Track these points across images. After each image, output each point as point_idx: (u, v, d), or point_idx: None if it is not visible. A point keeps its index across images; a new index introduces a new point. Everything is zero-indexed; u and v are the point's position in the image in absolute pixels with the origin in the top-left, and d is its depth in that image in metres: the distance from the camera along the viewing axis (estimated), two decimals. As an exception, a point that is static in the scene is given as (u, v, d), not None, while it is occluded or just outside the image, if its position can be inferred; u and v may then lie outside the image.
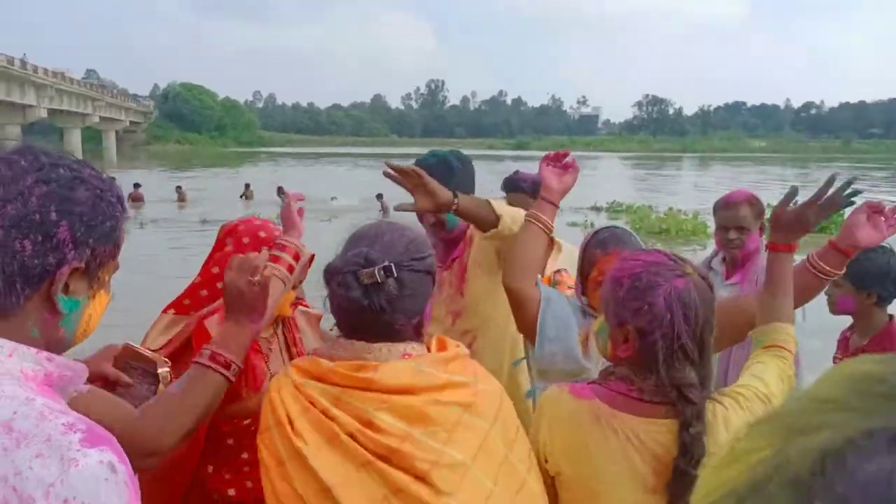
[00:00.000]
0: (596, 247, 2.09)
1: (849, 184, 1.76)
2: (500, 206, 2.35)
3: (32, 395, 0.89)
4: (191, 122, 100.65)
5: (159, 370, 1.64)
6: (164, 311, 2.11)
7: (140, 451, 1.27)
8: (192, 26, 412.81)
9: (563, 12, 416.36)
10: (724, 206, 3.08)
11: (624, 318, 1.47)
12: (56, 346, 0.98)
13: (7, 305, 0.92)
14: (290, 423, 1.27)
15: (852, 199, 1.76)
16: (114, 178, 1.04)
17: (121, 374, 1.61)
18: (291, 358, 2.07)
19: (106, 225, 0.99)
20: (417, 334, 1.40)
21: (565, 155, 2.15)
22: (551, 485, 1.53)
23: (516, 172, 3.38)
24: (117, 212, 1.01)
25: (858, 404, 0.37)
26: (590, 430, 1.45)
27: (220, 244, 2.16)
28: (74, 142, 67.57)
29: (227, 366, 1.50)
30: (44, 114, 59.04)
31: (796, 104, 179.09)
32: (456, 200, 2.19)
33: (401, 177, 2.17)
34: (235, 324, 1.56)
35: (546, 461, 1.52)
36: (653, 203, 21.84)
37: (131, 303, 5.36)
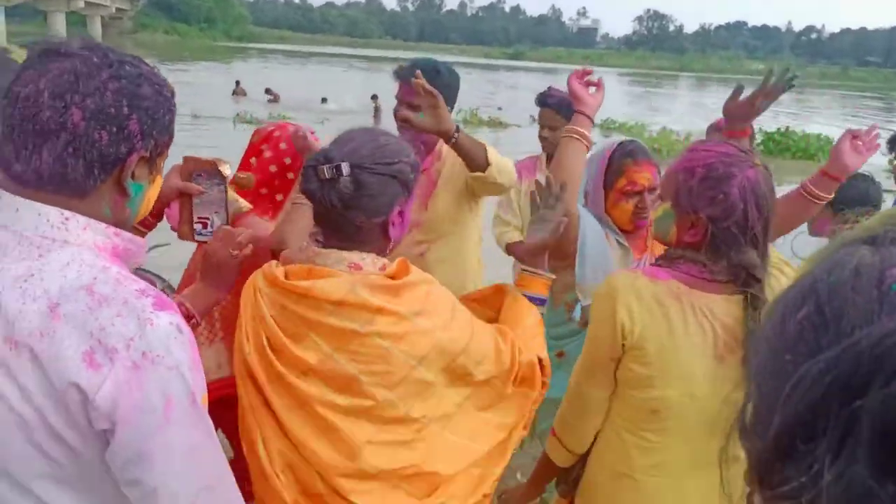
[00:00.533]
0: (625, 157, 2.21)
1: (786, 71, 2.12)
2: (493, 153, 2.43)
3: (107, 263, 1.03)
4: (179, 12, 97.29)
5: (221, 168, 1.75)
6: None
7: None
8: None
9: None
10: (712, 130, 3.16)
11: (697, 206, 1.57)
12: (122, 223, 1.11)
13: (85, 187, 1.03)
14: (244, 325, 1.46)
15: (792, 83, 2.11)
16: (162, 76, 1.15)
17: (190, 184, 1.74)
18: None
19: (165, 118, 1.10)
20: (384, 237, 1.48)
21: (590, 73, 2.22)
22: (615, 368, 1.66)
23: (549, 88, 3.42)
24: (172, 106, 1.13)
25: None
26: (671, 306, 1.58)
27: (254, 149, 2.20)
28: (59, 26, 65.21)
29: (189, 318, 1.63)
30: (26, -5, 56.86)
31: (798, 27, 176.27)
32: (457, 134, 2.30)
33: (422, 92, 2.25)
34: (206, 287, 1.70)
35: (624, 340, 1.61)
36: (646, 122, 21.74)
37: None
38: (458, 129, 2.31)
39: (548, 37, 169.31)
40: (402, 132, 2.52)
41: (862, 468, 0.42)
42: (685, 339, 1.57)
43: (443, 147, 2.62)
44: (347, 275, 1.41)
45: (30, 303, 0.96)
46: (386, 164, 1.42)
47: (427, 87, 2.24)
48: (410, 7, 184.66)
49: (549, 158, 3.36)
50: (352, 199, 1.40)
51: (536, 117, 3.46)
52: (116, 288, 0.99)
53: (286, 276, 1.45)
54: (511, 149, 5.68)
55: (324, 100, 21.24)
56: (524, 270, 1.80)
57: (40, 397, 0.95)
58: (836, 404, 0.43)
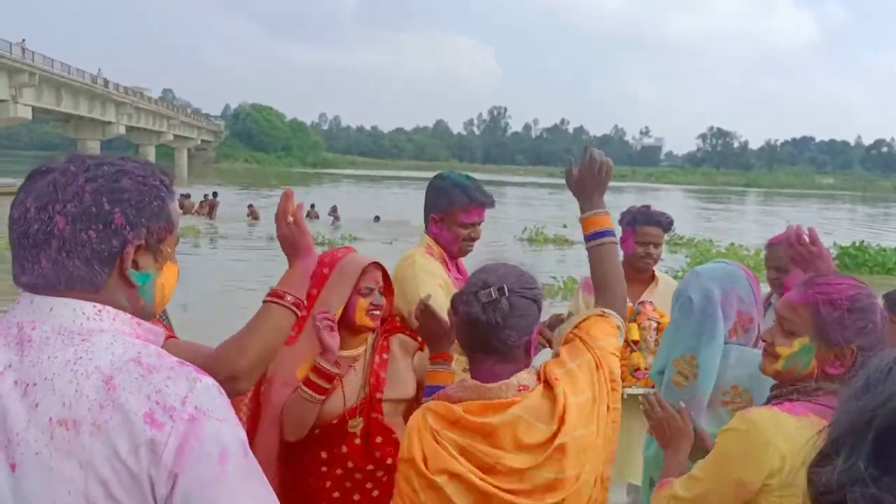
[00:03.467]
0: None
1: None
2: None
3: (143, 342, 1.10)
4: (259, 142, 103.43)
5: None
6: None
7: (220, 374, 1.54)
8: (264, 48, 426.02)
9: (628, 40, 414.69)
10: (767, 246, 3.18)
11: (847, 338, 1.59)
12: (141, 314, 1.16)
13: (94, 283, 1.09)
14: (426, 461, 1.56)
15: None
16: (154, 165, 1.21)
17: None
18: (371, 377, 2.33)
19: (154, 204, 1.14)
20: (526, 355, 1.67)
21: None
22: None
23: (647, 207, 3.54)
24: (162, 192, 1.17)
25: None
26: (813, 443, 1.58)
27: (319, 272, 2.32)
28: (149, 158, 69.70)
29: (282, 296, 1.81)
30: (122, 130, 61.63)
31: (867, 141, 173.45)
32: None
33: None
34: (290, 267, 1.90)
35: (770, 480, 1.58)
36: (714, 237, 21.55)
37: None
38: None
39: (611, 155, 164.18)
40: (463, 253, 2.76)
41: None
42: None
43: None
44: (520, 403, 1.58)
45: (83, 380, 1.01)
46: (529, 289, 1.65)
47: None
48: (476, 131, 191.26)
49: (632, 274, 3.33)
50: (508, 319, 1.59)
51: (634, 235, 3.45)
52: (160, 359, 1.07)
53: (456, 424, 1.59)
54: (575, 266, 5.75)
55: (377, 218, 22.30)
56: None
57: (104, 469, 0.98)
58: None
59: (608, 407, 1.66)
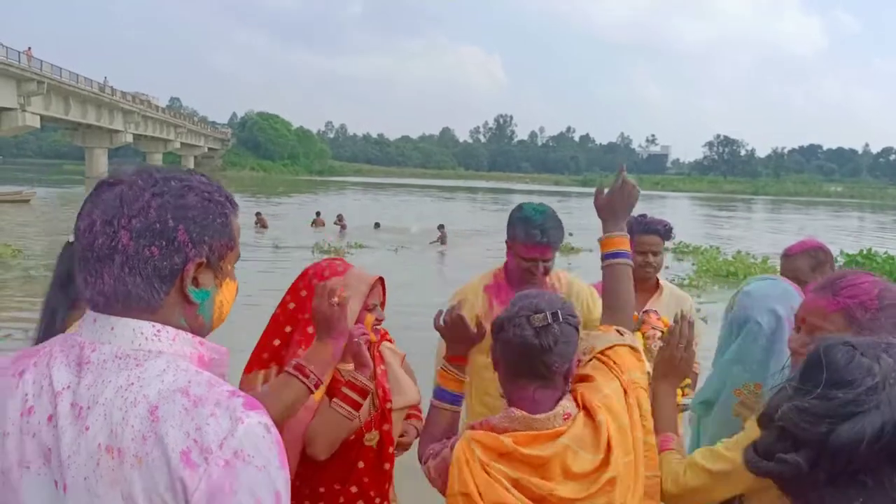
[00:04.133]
0: None
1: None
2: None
3: (198, 369, 1.09)
4: (265, 150, 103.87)
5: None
6: (248, 373, 2.23)
7: None
8: (271, 57, 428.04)
9: (635, 48, 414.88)
10: (783, 257, 3.14)
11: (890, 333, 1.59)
12: (199, 331, 1.15)
13: (152, 302, 1.08)
14: (480, 495, 1.55)
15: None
16: (219, 182, 1.20)
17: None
18: (378, 389, 2.31)
19: (217, 222, 1.14)
20: (565, 381, 1.69)
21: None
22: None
23: (644, 216, 3.49)
24: (226, 209, 1.16)
25: None
26: None
27: (296, 288, 2.29)
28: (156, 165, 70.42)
29: (307, 375, 1.83)
30: (129, 139, 62.00)
31: (875, 149, 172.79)
32: None
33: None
34: (319, 342, 1.90)
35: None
36: (721, 245, 21.48)
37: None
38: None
39: (617, 163, 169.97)
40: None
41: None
42: None
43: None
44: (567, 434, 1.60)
45: (131, 409, 1.01)
46: (573, 317, 1.69)
47: None
48: (482, 139, 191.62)
49: (637, 284, 3.37)
50: (557, 344, 1.62)
51: (633, 244, 3.43)
52: (209, 390, 1.04)
53: (506, 456, 1.59)
54: (583, 273, 5.72)
55: (377, 225, 22.94)
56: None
57: (143, 501, 0.98)
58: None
59: (644, 442, 1.69)
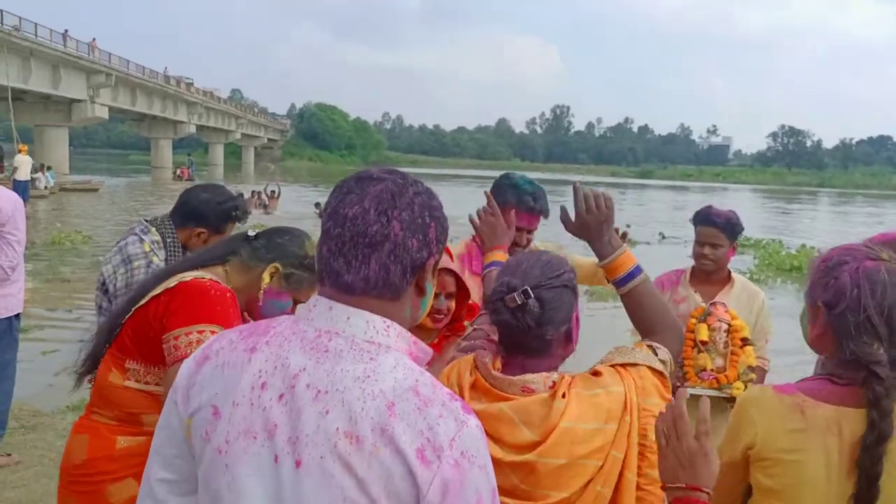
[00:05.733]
0: None
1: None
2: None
3: (420, 369, 1.16)
4: (323, 141, 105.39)
5: None
6: None
7: None
8: (329, 49, 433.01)
9: (695, 36, 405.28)
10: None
11: (815, 296, 1.58)
12: (415, 321, 1.25)
13: (400, 290, 1.18)
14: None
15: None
16: None
17: None
18: None
19: (448, 227, 1.26)
20: (568, 342, 1.63)
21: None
22: (742, 472, 1.63)
23: (710, 207, 3.47)
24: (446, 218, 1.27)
25: None
26: (797, 421, 1.52)
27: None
28: (218, 156, 72.18)
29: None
30: (193, 129, 63.50)
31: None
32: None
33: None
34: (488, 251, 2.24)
35: (748, 449, 1.59)
36: (784, 239, 20.92)
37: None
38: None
39: (677, 155, 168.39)
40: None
41: None
42: (813, 456, 1.51)
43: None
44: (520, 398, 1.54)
45: (370, 401, 1.07)
46: (557, 277, 1.58)
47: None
48: (539, 129, 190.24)
49: (704, 275, 3.42)
50: (542, 317, 1.54)
51: (694, 234, 3.44)
52: (434, 390, 1.11)
53: (472, 387, 1.60)
54: (642, 266, 5.63)
55: None
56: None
57: (377, 488, 1.04)
58: None
59: (637, 471, 1.55)
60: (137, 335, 2.09)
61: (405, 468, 1.04)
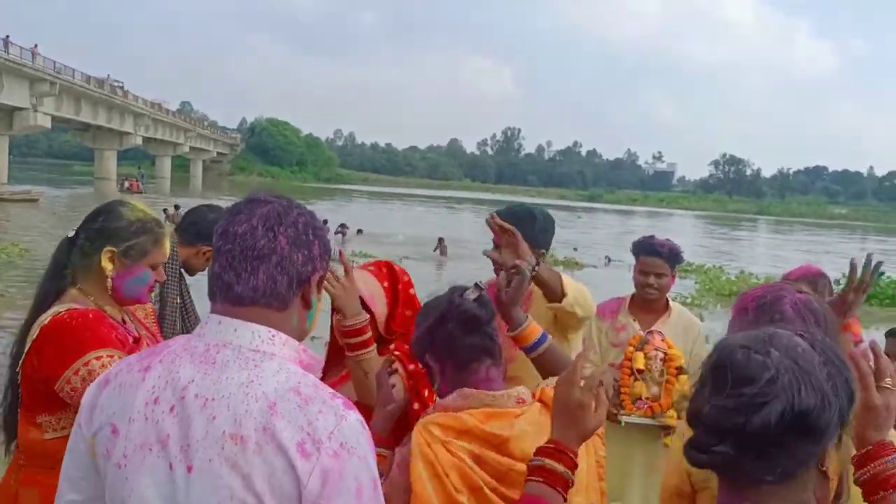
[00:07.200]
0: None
1: (870, 261, 2.01)
2: (569, 283, 2.56)
3: (303, 372, 1.25)
4: (274, 156, 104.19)
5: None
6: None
7: None
8: (282, 63, 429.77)
9: (644, 65, 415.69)
10: (783, 280, 3.18)
11: None
12: (300, 336, 1.33)
13: (287, 300, 1.28)
14: (447, 475, 1.54)
15: (881, 272, 2.00)
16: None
17: None
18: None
19: (331, 246, 1.37)
20: (500, 355, 1.75)
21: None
22: (690, 500, 1.72)
23: (653, 237, 3.56)
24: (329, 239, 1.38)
25: None
26: None
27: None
28: (165, 169, 70.91)
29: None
30: (139, 141, 62.31)
31: (880, 172, 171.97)
32: (536, 268, 2.42)
33: (499, 230, 2.44)
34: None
35: (689, 476, 1.70)
36: (724, 264, 21.54)
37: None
38: (537, 262, 2.46)
39: (623, 179, 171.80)
40: (496, 273, 2.78)
41: None
42: None
43: (534, 288, 2.67)
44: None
45: (252, 403, 1.17)
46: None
47: (503, 225, 2.42)
48: (490, 151, 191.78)
49: (643, 303, 3.50)
50: (491, 311, 1.73)
51: (636, 263, 3.52)
52: (315, 390, 1.21)
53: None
54: (588, 289, 5.75)
55: (359, 231, 23.76)
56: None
57: (261, 484, 1.13)
58: None
59: (595, 453, 1.68)
60: (31, 391, 2.04)
61: (286, 462, 1.13)
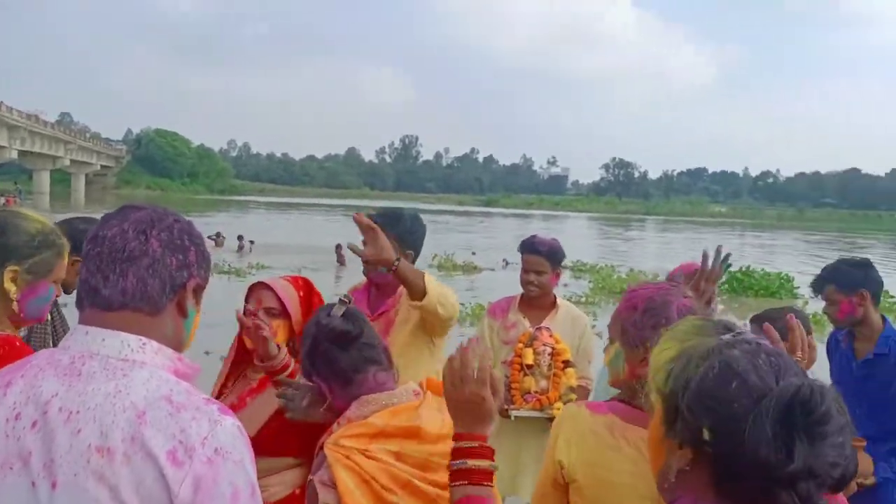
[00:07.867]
0: None
1: (720, 254, 2.12)
2: (432, 282, 2.62)
3: (176, 380, 1.22)
4: (163, 168, 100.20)
5: None
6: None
7: None
8: (169, 73, 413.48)
9: (537, 74, 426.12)
10: (667, 278, 3.43)
11: (644, 337, 1.61)
12: (179, 343, 1.31)
13: (159, 305, 1.25)
14: (374, 479, 1.58)
15: (729, 264, 2.15)
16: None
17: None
18: None
19: (208, 255, 1.36)
20: (386, 358, 1.81)
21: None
22: (564, 492, 1.71)
23: (534, 237, 3.73)
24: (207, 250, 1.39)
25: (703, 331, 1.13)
26: (606, 441, 1.62)
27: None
28: (44, 183, 66.93)
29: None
30: (14, 155, 58.55)
31: (754, 172, 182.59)
32: (396, 262, 2.52)
33: (363, 226, 2.52)
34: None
35: (561, 469, 1.68)
36: (616, 263, 22.47)
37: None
38: (398, 259, 2.54)
39: (520, 184, 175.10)
40: (367, 273, 2.91)
41: None
42: (617, 476, 1.60)
43: (403, 290, 2.78)
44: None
45: (120, 413, 1.13)
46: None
47: (366, 222, 2.51)
48: (388, 159, 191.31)
49: (531, 301, 3.68)
50: (364, 323, 1.85)
51: (521, 262, 3.69)
52: (188, 397, 1.18)
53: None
54: (485, 292, 6.00)
55: (251, 242, 23.18)
56: None
57: (130, 495, 1.10)
58: None
59: None
60: None
61: (156, 471, 1.10)
